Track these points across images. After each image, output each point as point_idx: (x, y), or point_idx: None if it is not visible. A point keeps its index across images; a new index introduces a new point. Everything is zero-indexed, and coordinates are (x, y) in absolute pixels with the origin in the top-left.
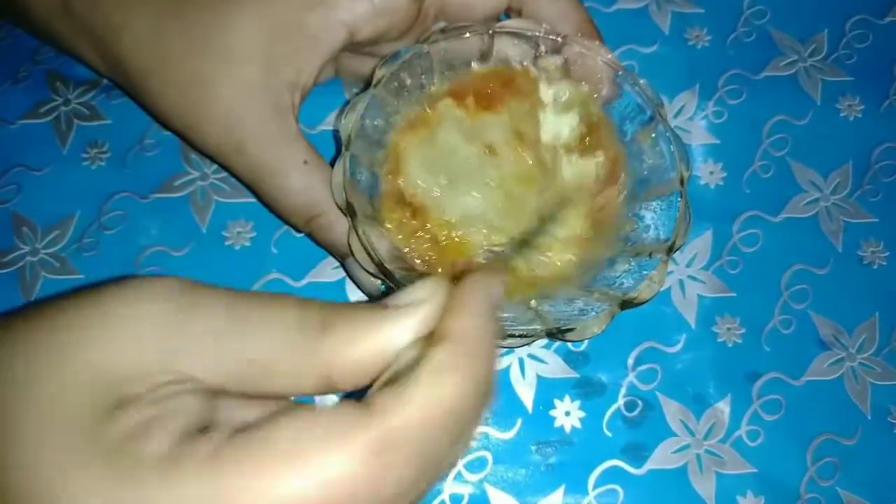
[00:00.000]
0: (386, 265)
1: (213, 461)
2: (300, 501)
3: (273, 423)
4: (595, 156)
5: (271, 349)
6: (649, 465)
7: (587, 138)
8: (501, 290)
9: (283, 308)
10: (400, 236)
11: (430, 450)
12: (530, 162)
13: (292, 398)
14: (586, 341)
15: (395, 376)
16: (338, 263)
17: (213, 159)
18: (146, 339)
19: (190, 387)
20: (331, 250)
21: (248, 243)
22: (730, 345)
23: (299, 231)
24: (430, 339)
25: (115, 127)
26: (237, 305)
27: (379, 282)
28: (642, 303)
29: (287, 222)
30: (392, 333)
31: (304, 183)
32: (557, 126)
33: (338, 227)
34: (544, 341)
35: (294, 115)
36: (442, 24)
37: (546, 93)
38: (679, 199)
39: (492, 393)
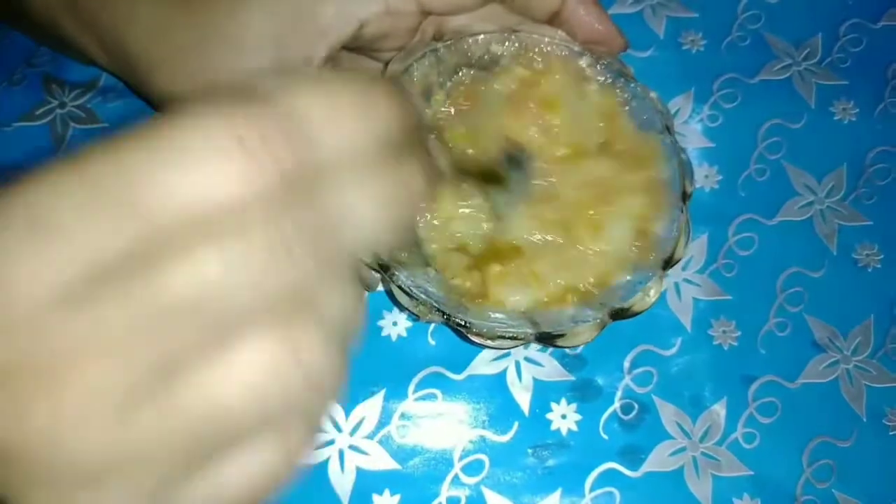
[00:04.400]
0: (382, 257)
1: None
2: None
3: None
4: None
5: None
6: (645, 468)
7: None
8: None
9: None
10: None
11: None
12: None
13: None
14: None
15: None
16: None
17: None
18: None
19: None
20: None
21: None
22: (725, 347)
23: None
24: None
25: (111, 130)
26: None
27: (378, 276)
28: (635, 314)
29: None
30: None
31: None
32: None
33: None
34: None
35: None
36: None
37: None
38: (680, 213)
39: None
